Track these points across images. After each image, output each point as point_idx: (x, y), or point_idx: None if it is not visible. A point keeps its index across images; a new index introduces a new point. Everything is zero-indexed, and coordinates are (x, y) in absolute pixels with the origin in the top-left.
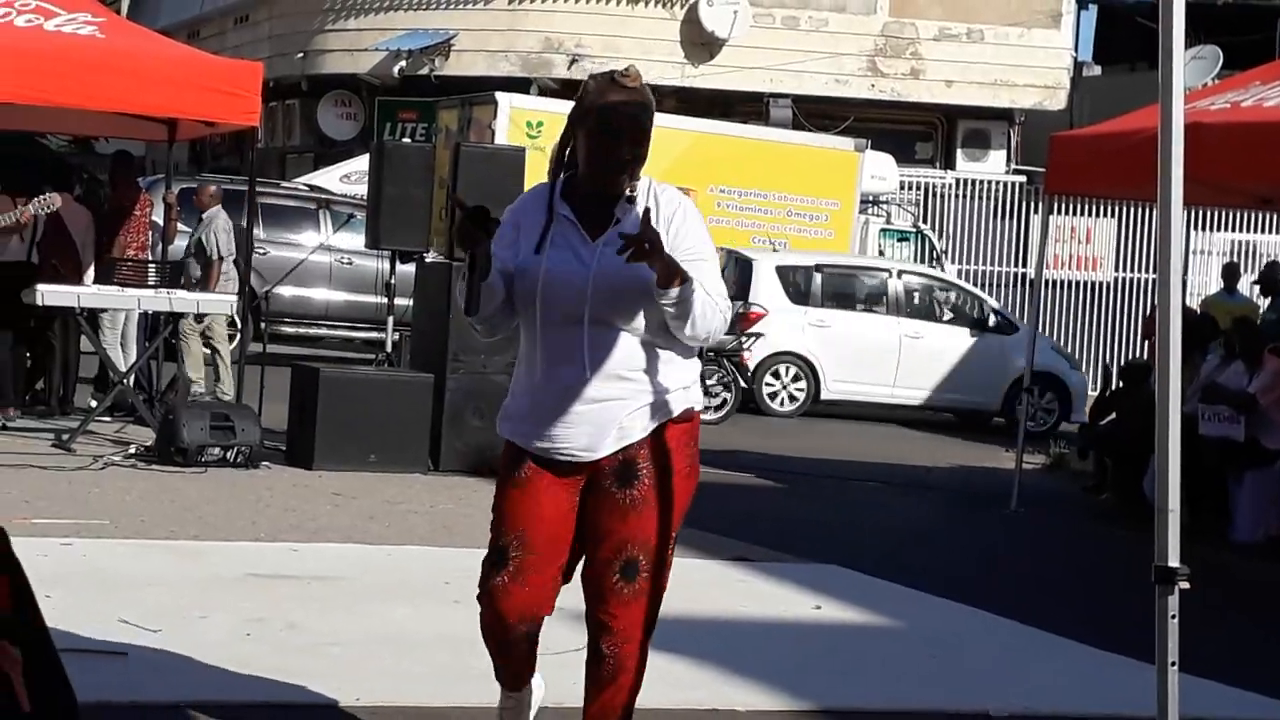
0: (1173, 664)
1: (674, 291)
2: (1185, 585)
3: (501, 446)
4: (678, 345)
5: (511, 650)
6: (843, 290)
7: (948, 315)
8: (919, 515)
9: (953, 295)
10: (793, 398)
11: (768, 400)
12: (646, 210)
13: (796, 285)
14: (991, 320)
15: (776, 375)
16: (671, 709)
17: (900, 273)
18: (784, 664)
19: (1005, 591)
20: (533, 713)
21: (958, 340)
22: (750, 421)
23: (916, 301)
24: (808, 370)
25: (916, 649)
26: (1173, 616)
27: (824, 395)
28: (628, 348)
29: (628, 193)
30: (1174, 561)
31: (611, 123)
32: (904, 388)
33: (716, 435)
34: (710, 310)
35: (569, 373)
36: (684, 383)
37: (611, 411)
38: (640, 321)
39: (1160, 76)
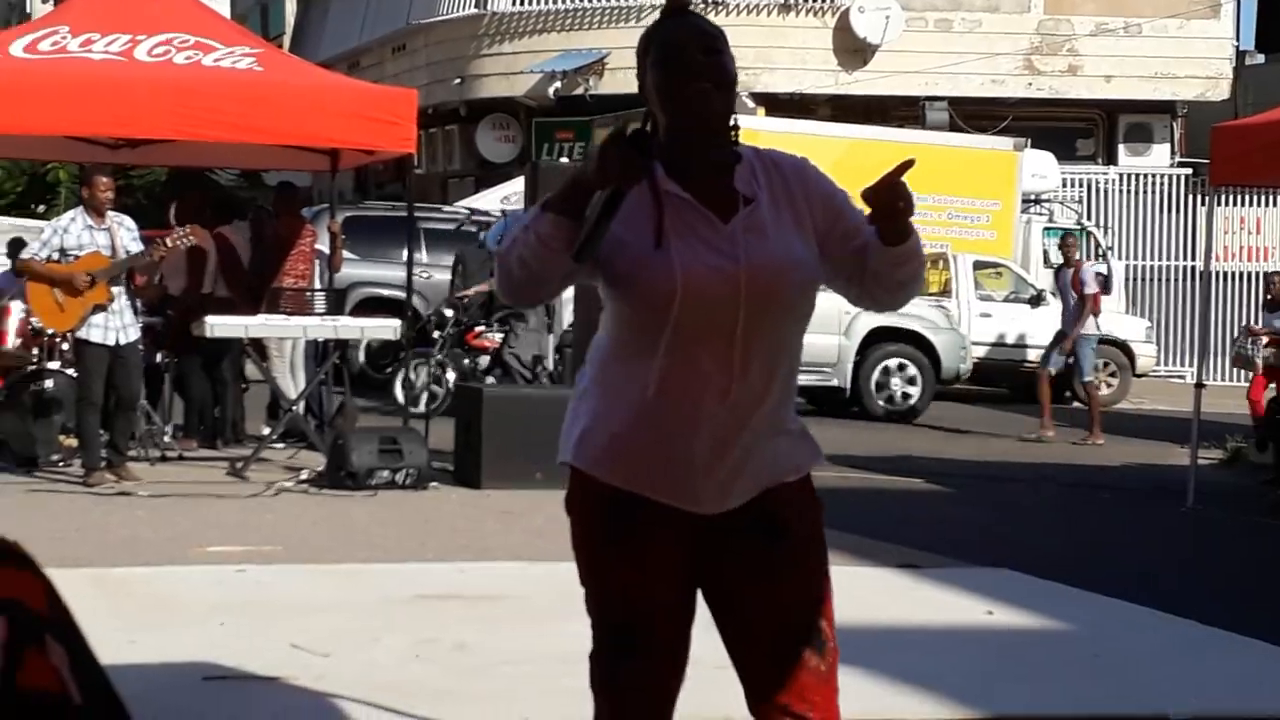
0: None
1: (911, 242)
2: None
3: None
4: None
5: None
6: None
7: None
8: (1089, 514)
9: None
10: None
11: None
12: (905, 163)
13: None
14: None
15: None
16: None
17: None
18: (958, 672)
19: (1183, 591)
20: None
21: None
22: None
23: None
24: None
25: (1093, 652)
26: None
27: None
28: (780, 362)
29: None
30: None
31: (674, 40)
32: None
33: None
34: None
35: (711, 398)
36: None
37: (765, 448)
38: (796, 325)
39: None
